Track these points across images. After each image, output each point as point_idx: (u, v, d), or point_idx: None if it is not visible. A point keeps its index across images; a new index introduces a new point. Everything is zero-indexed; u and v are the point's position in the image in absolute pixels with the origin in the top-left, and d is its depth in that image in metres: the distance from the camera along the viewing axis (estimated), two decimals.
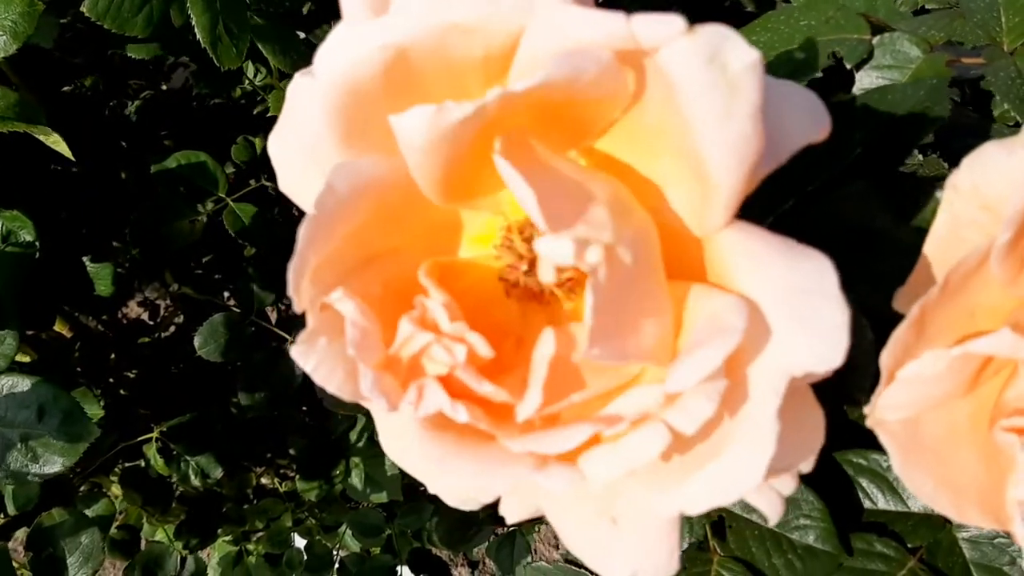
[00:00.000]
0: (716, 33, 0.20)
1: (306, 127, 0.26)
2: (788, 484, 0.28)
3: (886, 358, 0.25)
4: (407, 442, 0.29)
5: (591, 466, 0.23)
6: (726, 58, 0.20)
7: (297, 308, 0.25)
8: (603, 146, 0.26)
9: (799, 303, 0.22)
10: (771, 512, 0.27)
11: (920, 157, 0.48)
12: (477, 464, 0.23)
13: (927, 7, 0.71)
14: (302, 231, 0.23)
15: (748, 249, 0.24)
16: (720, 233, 0.25)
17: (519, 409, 0.24)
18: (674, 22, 0.19)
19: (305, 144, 0.27)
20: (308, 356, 0.26)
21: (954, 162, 0.27)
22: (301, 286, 0.24)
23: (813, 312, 0.22)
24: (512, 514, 0.30)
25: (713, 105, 0.20)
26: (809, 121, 0.26)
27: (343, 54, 0.23)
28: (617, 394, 0.26)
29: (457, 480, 0.25)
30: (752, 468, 0.22)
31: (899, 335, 0.24)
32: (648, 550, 0.26)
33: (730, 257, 0.24)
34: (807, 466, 0.29)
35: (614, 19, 0.20)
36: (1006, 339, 0.23)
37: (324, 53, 0.23)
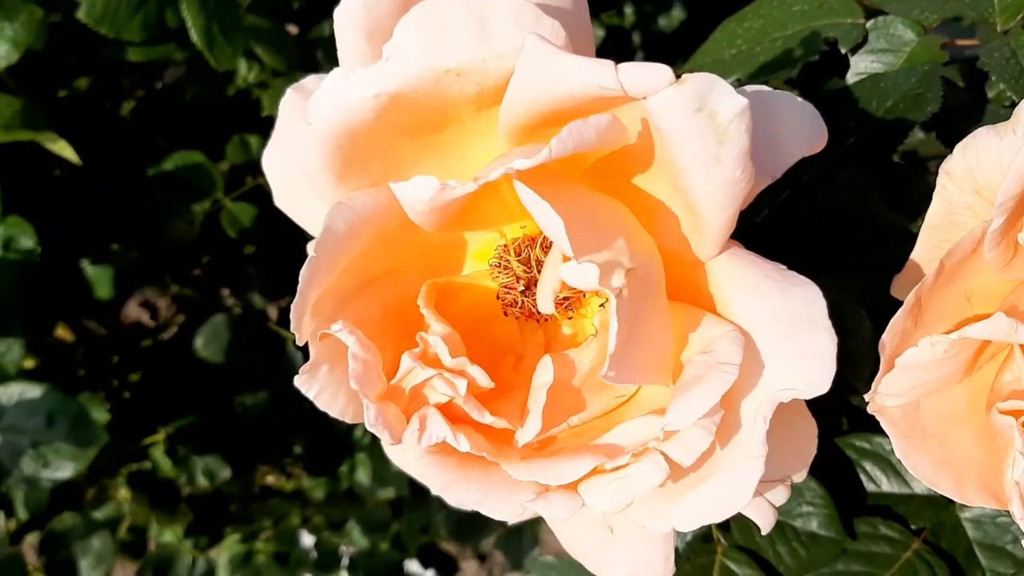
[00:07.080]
0: (704, 82, 0.20)
1: (302, 161, 0.26)
2: (781, 494, 0.28)
3: (885, 346, 0.25)
4: (410, 458, 0.29)
5: (592, 497, 0.23)
6: (715, 107, 0.20)
7: (299, 342, 0.25)
8: (600, 171, 0.26)
9: (790, 333, 0.23)
10: (764, 523, 0.28)
11: (920, 135, 0.47)
12: (481, 493, 0.24)
13: None
14: (304, 272, 0.23)
15: (741, 277, 0.24)
16: (714, 259, 0.25)
17: (519, 435, 0.25)
18: (661, 72, 0.20)
19: (301, 172, 0.27)
20: (311, 384, 0.26)
21: (948, 144, 0.26)
22: (303, 323, 0.25)
23: (803, 341, 0.22)
24: (511, 518, 0.30)
25: (701, 152, 0.20)
26: (805, 135, 0.26)
27: (338, 101, 0.23)
28: (615, 416, 0.26)
29: (462, 505, 0.25)
30: (741, 490, 0.23)
31: (897, 322, 0.24)
32: (644, 557, 0.27)
33: (724, 283, 0.25)
34: (799, 476, 0.29)
35: (601, 67, 0.20)
36: (1001, 324, 0.23)
37: (319, 98, 0.24)
